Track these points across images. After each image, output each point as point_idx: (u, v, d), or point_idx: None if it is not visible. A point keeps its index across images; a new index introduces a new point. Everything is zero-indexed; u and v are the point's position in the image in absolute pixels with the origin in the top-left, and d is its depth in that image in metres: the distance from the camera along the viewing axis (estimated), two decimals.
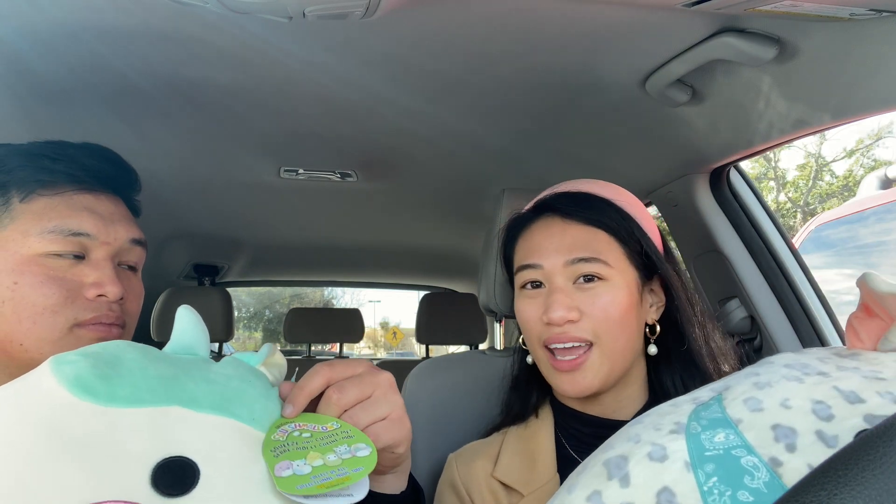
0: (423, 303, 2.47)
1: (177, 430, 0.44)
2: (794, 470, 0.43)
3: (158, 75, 0.97)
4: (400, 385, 1.07)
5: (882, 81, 0.79)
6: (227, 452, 0.45)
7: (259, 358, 0.58)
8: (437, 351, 2.59)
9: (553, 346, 0.76)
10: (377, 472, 0.60)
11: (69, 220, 0.67)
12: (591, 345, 0.74)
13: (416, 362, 1.30)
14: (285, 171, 1.51)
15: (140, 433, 0.42)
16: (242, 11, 0.68)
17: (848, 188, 12.21)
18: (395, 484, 0.61)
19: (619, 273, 0.76)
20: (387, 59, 0.92)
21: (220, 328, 2.19)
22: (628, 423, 0.56)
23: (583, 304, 0.74)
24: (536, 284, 0.79)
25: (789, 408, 0.48)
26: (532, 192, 1.06)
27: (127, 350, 0.48)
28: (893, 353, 0.51)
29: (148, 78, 0.98)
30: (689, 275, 0.85)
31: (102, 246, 0.69)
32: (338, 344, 2.67)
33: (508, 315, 1.05)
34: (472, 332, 2.46)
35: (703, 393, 0.55)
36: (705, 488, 0.45)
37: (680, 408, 0.54)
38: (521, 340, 0.87)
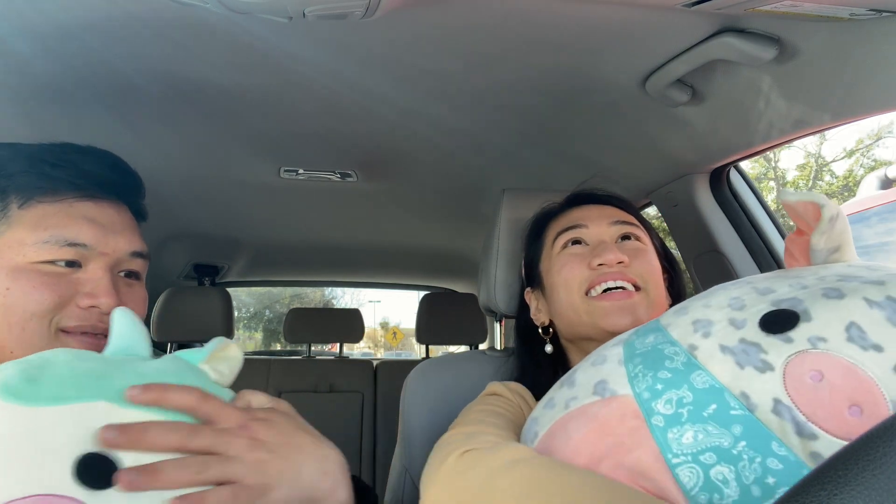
0: (423, 303, 2.47)
1: (100, 425, 0.44)
2: (707, 350, 0.51)
3: (158, 75, 0.97)
4: (400, 385, 1.07)
5: (882, 81, 0.79)
6: None
7: (202, 355, 0.57)
8: (438, 351, 2.59)
9: (601, 289, 0.78)
10: None
11: (66, 229, 0.65)
12: (638, 289, 0.79)
13: (416, 362, 1.30)
14: (285, 171, 1.51)
15: (63, 428, 0.43)
16: (242, 11, 0.68)
17: (848, 188, 12.21)
18: None
19: (652, 248, 0.85)
20: (387, 59, 0.92)
21: (220, 328, 2.19)
22: None
23: (629, 255, 0.80)
24: (578, 242, 0.84)
25: (709, 306, 0.55)
26: (532, 192, 1.06)
27: (60, 353, 0.49)
28: (824, 265, 0.57)
29: (148, 78, 0.98)
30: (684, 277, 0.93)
31: (100, 256, 0.67)
32: (338, 344, 2.67)
33: (508, 315, 1.05)
34: (472, 332, 2.46)
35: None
36: (632, 374, 0.53)
37: (627, 333, 0.63)
38: (539, 329, 0.89)
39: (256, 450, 0.50)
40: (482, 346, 2.48)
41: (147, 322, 0.71)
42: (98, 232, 0.67)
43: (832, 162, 13.46)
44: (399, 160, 1.47)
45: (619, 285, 0.78)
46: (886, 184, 2.78)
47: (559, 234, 0.86)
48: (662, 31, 0.83)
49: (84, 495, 0.41)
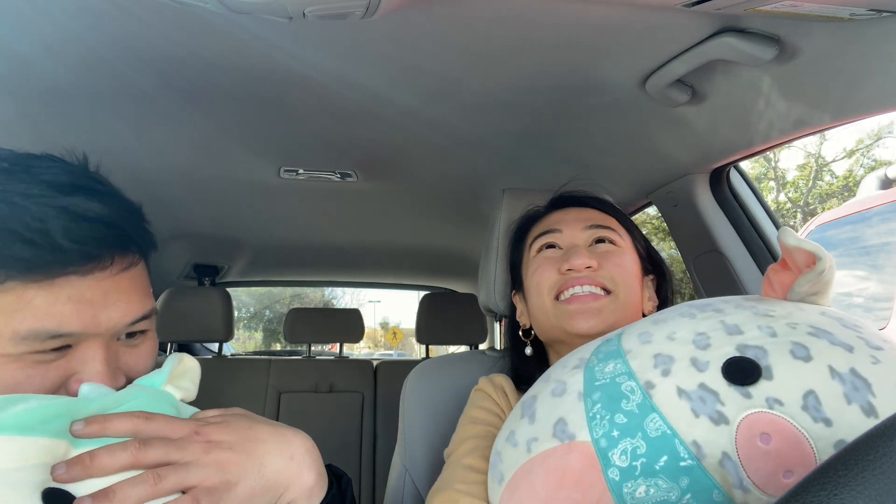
0: (423, 303, 2.47)
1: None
2: (664, 392, 0.51)
3: (158, 75, 0.97)
4: (400, 385, 1.07)
5: (882, 81, 0.79)
6: (112, 480, 0.46)
7: (162, 378, 0.56)
8: (438, 351, 2.59)
9: (570, 294, 0.80)
10: None
11: (47, 319, 0.53)
12: (608, 293, 0.80)
13: (416, 362, 1.30)
14: (285, 171, 1.51)
15: (28, 461, 0.43)
16: (242, 11, 0.68)
17: (848, 188, 12.21)
18: None
19: (629, 250, 0.85)
20: (387, 59, 0.92)
21: (220, 328, 2.19)
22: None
23: (600, 258, 0.81)
24: (552, 246, 0.86)
25: (673, 340, 0.55)
26: (532, 192, 1.06)
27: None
28: (798, 303, 0.57)
29: (148, 78, 0.98)
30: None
31: (92, 338, 0.56)
32: (338, 344, 2.67)
33: (508, 315, 1.05)
34: (472, 332, 2.46)
35: (613, 332, 0.63)
36: (590, 414, 0.53)
37: (589, 346, 0.62)
38: (520, 333, 0.91)
39: (213, 451, 0.51)
40: (482, 346, 2.48)
41: None
42: (86, 314, 0.55)
43: (832, 162, 13.46)
44: (399, 160, 1.47)
45: (586, 291, 0.79)
46: (886, 184, 2.78)
47: (535, 238, 0.88)
48: (662, 31, 0.83)
49: None
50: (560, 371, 0.61)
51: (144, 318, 0.61)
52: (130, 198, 0.66)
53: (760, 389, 0.48)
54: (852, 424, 0.45)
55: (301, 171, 1.51)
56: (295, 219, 2.07)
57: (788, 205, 13.45)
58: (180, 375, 0.58)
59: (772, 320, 0.53)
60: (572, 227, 0.85)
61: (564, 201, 0.93)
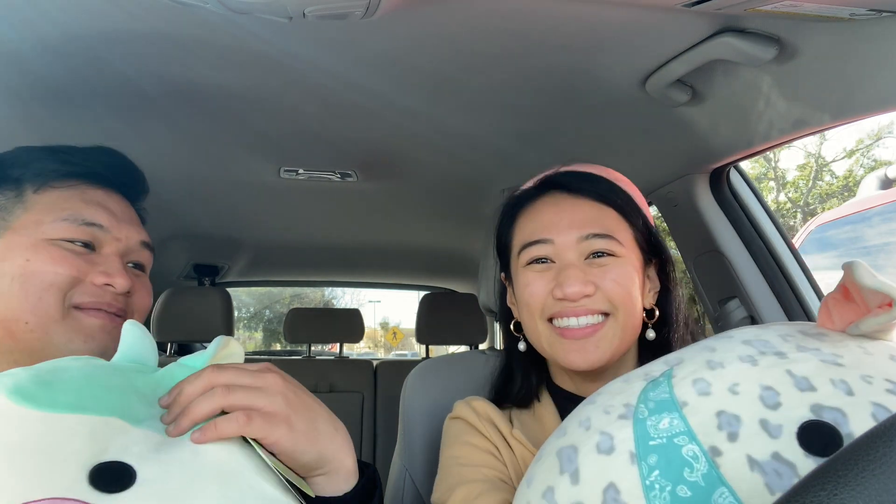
0: (423, 303, 2.47)
1: (116, 440, 0.45)
2: (733, 461, 0.44)
3: (158, 75, 0.97)
4: (400, 385, 1.07)
5: (882, 81, 0.79)
6: (165, 457, 0.46)
7: (205, 358, 0.58)
8: (438, 351, 2.59)
9: (564, 324, 0.74)
10: (305, 475, 0.56)
11: (83, 210, 0.69)
12: (606, 316, 0.74)
13: (416, 362, 1.29)
14: (285, 171, 1.51)
15: (79, 438, 0.43)
16: (242, 11, 0.68)
17: (848, 188, 12.21)
18: (329, 487, 0.57)
19: (629, 251, 0.76)
20: (387, 60, 0.92)
21: (220, 328, 2.18)
22: (583, 402, 0.57)
23: (596, 278, 0.73)
24: (543, 261, 0.77)
25: (737, 394, 0.48)
26: None
27: (71, 360, 0.50)
28: (859, 339, 0.51)
29: (148, 78, 0.98)
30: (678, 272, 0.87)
31: (113, 241, 0.71)
32: (338, 344, 2.67)
33: None
34: (472, 332, 2.46)
35: (656, 367, 0.55)
36: (647, 482, 0.46)
37: (631, 385, 0.54)
38: (511, 326, 0.85)
39: (285, 387, 0.53)
40: (482, 346, 2.48)
41: (146, 322, 0.72)
42: (111, 217, 0.71)
43: (832, 162, 13.46)
44: (399, 160, 1.47)
45: (583, 324, 0.73)
46: (886, 184, 2.78)
47: (524, 247, 0.78)
48: (662, 31, 0.83)
49: (97, 499, 0.41)
50: (602, 419, 0.53)
51: (148, 247, 0.77)
52: None
53: None
54: None
55: (301, 171, 1.51)
56: (295, 219, 2.07)
57: (788, 205, 13.45)
58: (224, 359, 0.60)
59: (843, 371, 0.47)
60: (566, 235, 0.75)
61: (555, 185, 0.82)
